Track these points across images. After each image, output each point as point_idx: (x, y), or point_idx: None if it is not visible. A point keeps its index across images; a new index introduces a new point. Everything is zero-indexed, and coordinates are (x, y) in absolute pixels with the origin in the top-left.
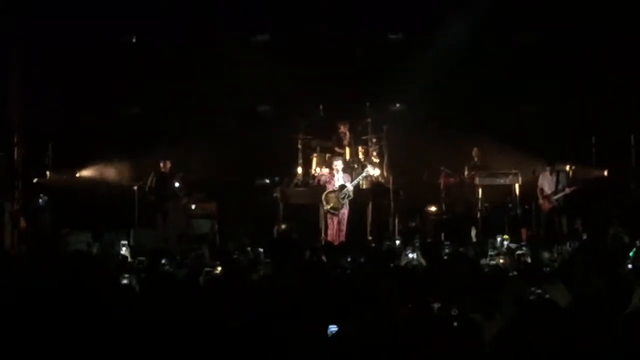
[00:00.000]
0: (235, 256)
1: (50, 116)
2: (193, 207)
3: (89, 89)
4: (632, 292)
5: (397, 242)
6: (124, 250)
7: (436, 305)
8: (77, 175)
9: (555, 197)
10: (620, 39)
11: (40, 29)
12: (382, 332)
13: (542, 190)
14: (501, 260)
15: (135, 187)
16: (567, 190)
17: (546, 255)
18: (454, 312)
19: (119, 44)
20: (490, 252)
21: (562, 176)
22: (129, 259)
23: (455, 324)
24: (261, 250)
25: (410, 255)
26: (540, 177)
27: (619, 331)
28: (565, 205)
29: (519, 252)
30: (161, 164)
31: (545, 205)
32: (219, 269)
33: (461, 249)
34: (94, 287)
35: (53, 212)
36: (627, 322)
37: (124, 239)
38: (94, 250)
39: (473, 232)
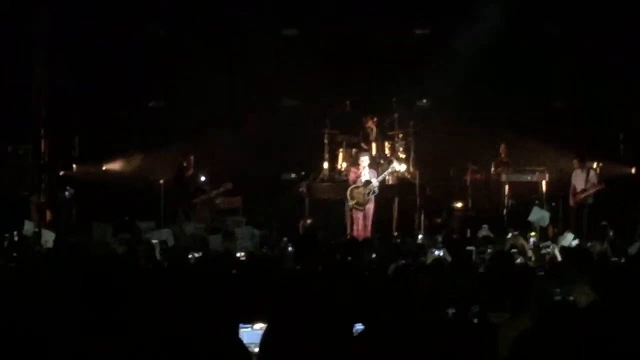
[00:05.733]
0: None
1: (77, 109)
2: (218, 201)
3: (116, 81)
4: None
5: (421, 237)
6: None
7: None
8: (104, 168)
9: (584, 194)
10: None
11: (67, 20)
12: (407, 332)
13: (574, 187)
14: (531, 259)
15: (162, 181)
16: (596, 188)
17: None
18: (474, 309)
19: (145, 36)
20: (513, 250)
21: (591, 173)
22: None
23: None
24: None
25: (437, 252)
26: (573, 174)
27: None
28: (594, 202)
29: (545, 250)
30: (184, 161)
31: (574, 202)
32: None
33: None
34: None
35: (79, 205)
36: None
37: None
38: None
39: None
